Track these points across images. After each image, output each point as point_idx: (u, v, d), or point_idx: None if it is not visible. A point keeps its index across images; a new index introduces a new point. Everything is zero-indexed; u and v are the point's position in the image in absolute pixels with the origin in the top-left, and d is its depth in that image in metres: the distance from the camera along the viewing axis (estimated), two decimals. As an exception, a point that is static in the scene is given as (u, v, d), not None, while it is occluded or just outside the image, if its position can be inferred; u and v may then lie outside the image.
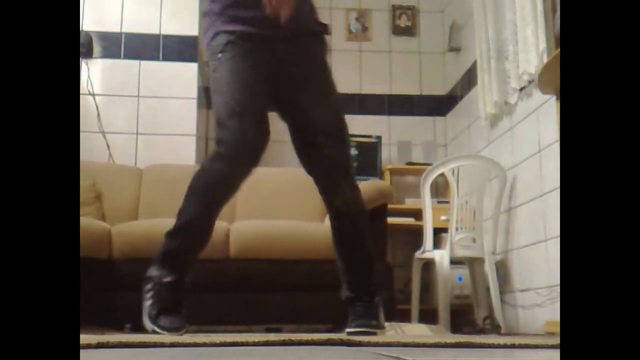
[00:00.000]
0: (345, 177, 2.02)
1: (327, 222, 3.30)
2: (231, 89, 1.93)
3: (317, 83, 2.01)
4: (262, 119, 1.93)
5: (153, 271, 1.91)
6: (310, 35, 2.02)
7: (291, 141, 2.08)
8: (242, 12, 1.93)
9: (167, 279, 1.87)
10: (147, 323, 1.82)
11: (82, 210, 3.05)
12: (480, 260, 3.41)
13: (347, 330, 1.88)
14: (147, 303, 1.85)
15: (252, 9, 1.89)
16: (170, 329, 1.77)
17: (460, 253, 3.39)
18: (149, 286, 1.89)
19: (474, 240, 3.42)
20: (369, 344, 1.39)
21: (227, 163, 1.90)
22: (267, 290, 2.87)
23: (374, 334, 1.85)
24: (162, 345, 1.28)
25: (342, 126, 2.05)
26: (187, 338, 1.56)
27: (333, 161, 2.00)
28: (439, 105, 4.73)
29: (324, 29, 2.07)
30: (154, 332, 1.79)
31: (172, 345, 1.28)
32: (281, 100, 2.00)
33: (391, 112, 4.73)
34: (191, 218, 1.93)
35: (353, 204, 2.02)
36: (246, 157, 1.91)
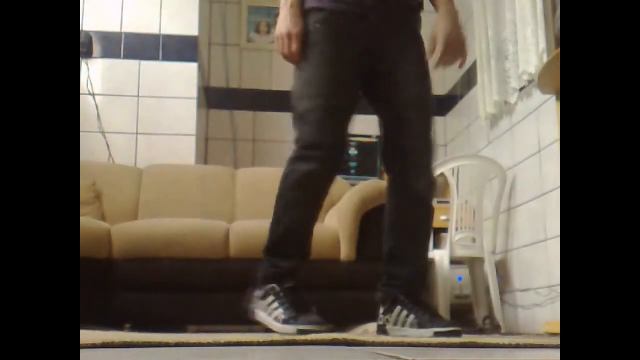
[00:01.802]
0: (430, 161, 1.91)
1: (327, 222, 3.30)
2: (320, 80, 1.85)
3: (412, 58, 1.91)
4: (346, 116, 1.90)
5: (268, 285, 1.86)
6: (405, 10, 1.93)
7: (378, 117, 2.00)
8: None
9: (287, 285, 1.85)
10: (286, 327, 1.75)
11: (82, 210, 3.05)
12: (480, 260, 3.41)
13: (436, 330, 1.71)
14: (278, 311, 1.80)
15: None
16: (316, 323, 1.72)
17: (460, 253, 3.38)
18: (270, 299, 1.84)
19: (474, 240, 3.41)
20: (369, 344, 1.39)
21: (313, 162, 1.83)
22: (267, 290, 2.87)
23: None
24: (166, 345, 1.28)
25: (431, 106, 1.95)
26: (190, 338, 1.56)
27: (423, 139, 1.89)
28: (439, 105, 4.72)
29: (418, 4, 1.98)
30: (301, 332, 1.68)
31: (177, 345, 1.28)
32: (375, 75, 1.91)
33: (391, 112, 4.73)
34: (286, 230, 1.88)
35: (431, 194, 1.93)
36: (325, 156, 1.84)
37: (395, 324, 1.81)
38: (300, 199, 1.87)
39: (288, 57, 1.90)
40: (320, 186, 1.89)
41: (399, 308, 1.82)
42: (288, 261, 1.88)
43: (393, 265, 1.93)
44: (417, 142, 1.89)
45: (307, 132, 1.85)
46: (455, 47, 1.94)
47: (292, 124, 1.90)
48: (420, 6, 1.99)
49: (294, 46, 1.86)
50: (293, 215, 1.88)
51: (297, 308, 1.78)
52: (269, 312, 1.82)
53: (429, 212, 1.93)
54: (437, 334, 1.66)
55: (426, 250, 1.97)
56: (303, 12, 1.89)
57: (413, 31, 1.95)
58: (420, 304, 1.83)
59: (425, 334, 1.69)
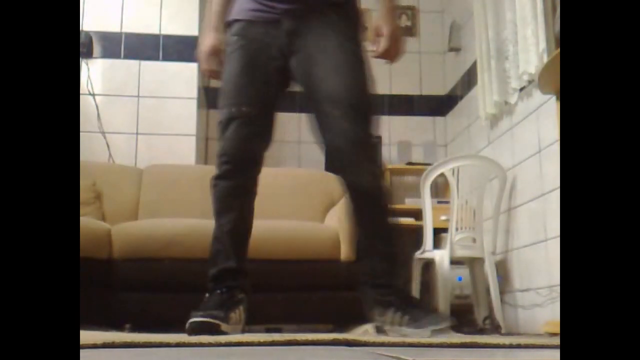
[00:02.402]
0: (365, 156, 1.86)
1: (327, 222, 3.30)
2: (232, 90, 1.91)
3: (331, 53, 1.86)
4: (265, 122, 1.92)
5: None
6: (325, 6, 1.91)
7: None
8: None
9: (214, 288, 1.93)
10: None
11: (82, 210, 3.05)
12: (480, 260, 3.41)
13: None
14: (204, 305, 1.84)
15: None
16: (209, 317, 1.76)
17: (460, 253, 3.39)
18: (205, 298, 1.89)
19: (474, 240, 3.41)
20: (369, 344, 1.39)
21: (231, 178, 1.91)
22: (267, 290, 2.87)
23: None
24: (166, 345, 1.28)
25: (359, 98, 1.85)
26: (190, 338, 1.56)
27: (350, 134, 1.82)
28: (439, 105, 4.73)
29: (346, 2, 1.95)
30: (192, 324, 1.75)
31: (177, 345, 1.28)
32: (297, 73, 1.91)
33: (391, 112, 4.73)
34: (214, 238, 1.97)
35: (376, 185, 1.89)
36: (248, 169, 1.92)
37: (392, 324, 1.81)
38: (222, 212, 1.96)
39: (206, 73, 2.04)
40: (238, 198, 1.95)
41: (392, 309, 1.82)
42: (214, 267, 1.95)
43: (364, 262, 1.95)
44: (344, 140, 1.83)
45: (222, 146, 1.92)
46: (398, 44, 1.98)
47: None
48: (345, 1, 1.96)
49: (210, 64, 2.00)
50: (219, 225, 1.96)
51: (216, 306, 1.82)
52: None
53: (379, 204, 1.90)
54: (434, 332, 1.69)
55: (389, 240, 1.94)
56: (223, 27, 1.99)
57: (334, 26, 1.90)
58: (411, 301, 1.87)
59: (423, 333, 1.70)
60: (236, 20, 1.95)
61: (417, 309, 1.81)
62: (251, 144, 1.91)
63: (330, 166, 1.94)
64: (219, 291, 1.89)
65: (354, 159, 1.84)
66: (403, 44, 2.00)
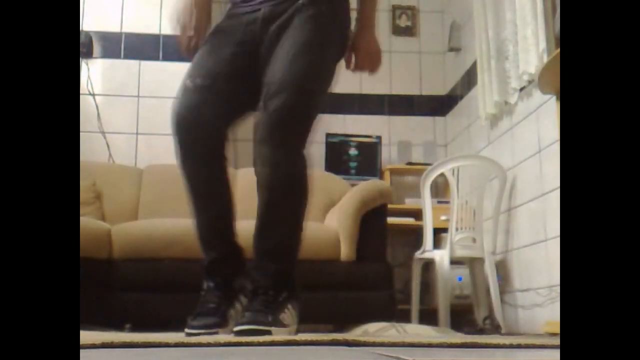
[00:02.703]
0: (284, 136, 1.70)
1: (327, 222, 3.30)
2: (190, 68, 1.88)
3: (293, 40, 1.77)
4: (222, 93, 1.79)
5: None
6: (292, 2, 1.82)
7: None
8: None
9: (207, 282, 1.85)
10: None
11: (82, 210, 3.05)
12: (480, 260, 3.41)
13: (235, 329, 1.63)
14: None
15: None
16: (205, 327, 1.68)
17: (460, 253, 3.39)
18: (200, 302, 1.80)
19: (474, 240, 3.42)
20: (369, 344, 1.39)
21: (185, 149, 1.80)
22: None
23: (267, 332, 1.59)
24: (166, 345, 1.28)
25: (295, 77, 1.71)
26: (190, 338, 1.56)
27: (268, 114, 1.69)
28: (439, 105, 4.73)
29: None
30: (188, 334, 1.69)
31: (177, 345, 1.28)
32: (261, 61, 1.82)
33: (391, 112, 4.73)
34: (195, 227, 1.86)
35: (284, 155, 1.71)
36: (201, 139, 1.77)
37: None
38: (191, 193, 1.85)
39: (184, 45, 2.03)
40: (199, 169, 1.83)
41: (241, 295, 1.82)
42: (206, 256, 1.86)
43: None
44: (261, 121, 1.72)
45: (172, 120, 1.84)
46: (373, 58, 2.01)
47: None
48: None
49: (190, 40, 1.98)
50: (192, 210, 1.86)
51: (202, 310, 1.74)
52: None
53: (272, 183, 1.75)
54: (236, 333, 1.60)
55: (273, 232, 1.80)
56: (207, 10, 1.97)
57: (302, 15, 1.80)
58: (256, 293, 1.74)
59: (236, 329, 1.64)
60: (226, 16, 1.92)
61: (252, 306, 1.70)
62: (202, 110, 1.80)
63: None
64: (212, 284, 1.80)
65: (264, 134, 1.71)
66: (379, 57, 2.01)
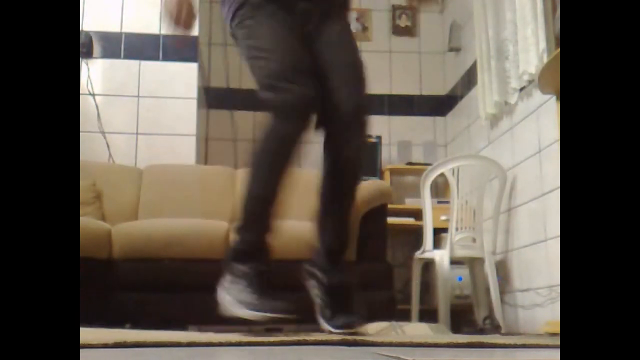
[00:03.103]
0: (360, 125, 1.88)
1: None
2: (276, 51, 1.82)
3: (336, 37, 1.93)
4: (311, 75, 1.81)
5: (238, 268, 1.75)
6: (332, 6, 1.96)
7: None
8: None
9: (261, 268, 1.77)
10: (250, 312, 1.65)
11: (82, 210, 3.05)
12: (480, 260, 3.41)
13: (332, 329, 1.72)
14: (243, 295, 1.68)
15: None
16: (282, 311, 1.65)
17: (460, 253, 3.39)
18: (235, 279, 1.74)
19: (474, 240, 3.42)
20: (369, 344, 1.39)
21: (287, 122, 1.74)
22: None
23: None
24: (166, 345, 1.28)
25: (359, 73, 1.92)
26: (190, 338, 1.56)
27: (346, 104, 1.85)
28: (439, 105, 4.73)
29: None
30: (266, 319, 1.65)
31: (177, 345, 1.28)
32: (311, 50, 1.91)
33: (391, 112, 4.73)
34: (266, 196, 1.83)
35: (359, 160, 1.91)
36: (302, 112, 1.75)
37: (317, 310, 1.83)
38: (277, 163, 1.82)
39: (177, 21, 1.92)
40: (293, 146, 1.81)
41: (314, 284, 1.91)
42: (256, 236, 1.82)
43: (319, 235, 1.94)
44: (340, 111, 1.85)
45: (276, 97, 1.76)
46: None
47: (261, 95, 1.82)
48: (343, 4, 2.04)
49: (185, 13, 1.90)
50: (273, 180, 1.84)
51: (262, 292, 1.69)
52: (232, 293, 1.72)
53: (356, 175, 1.96)
54: (332, 333, 1.67)
55: (344, 219, 1.95)
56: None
57: (338, 14, 1.98)
58: (331, 285, 1.83)
59: (325, 328, 1.75)
60: (245, 3, 1.89)
61: (335, 301, 1.79)
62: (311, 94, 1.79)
63: (326, 137, 1.89)
64: (249, 271, 1.75)
65: (350, 125, 1.87)
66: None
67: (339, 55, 1.91)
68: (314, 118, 1.81)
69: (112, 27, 3.92)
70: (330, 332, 1.73)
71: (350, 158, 1.91)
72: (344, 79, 1.88)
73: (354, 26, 4.80)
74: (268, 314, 1.63)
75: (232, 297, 1.71)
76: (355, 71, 1.92)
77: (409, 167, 4.45)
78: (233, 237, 1.84)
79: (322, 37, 1.91)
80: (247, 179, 1.84)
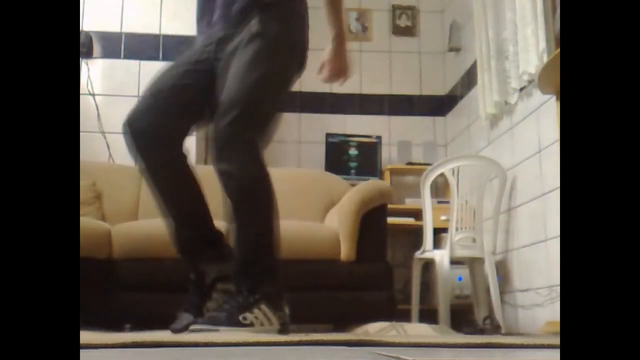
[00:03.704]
0: (233, 141, 1.84)
1: (327, 222, 3.30)
2: (154, 76, 1.99)
3: (241, 58, 1.91)
4: (176, 108, 1.94)
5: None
6: (252, 14, 1.94)
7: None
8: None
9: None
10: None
11: (82, 210, 3.05)
12: (480, 260, 3.41)
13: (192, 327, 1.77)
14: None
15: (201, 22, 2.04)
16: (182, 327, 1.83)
17: (460, 253, 3.39)
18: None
19: (474, 240, 3.42)
20: (369, 344, 1.39)
21: (137, 150, 1.96)
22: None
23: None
24: (166, 345, 1.28)
25: (242, 93, 1.86)
26: (190, 338, 1.56)
27: (223, 124, 1.84)
28: (439, 105, 4.73)
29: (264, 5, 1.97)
30: (175, 331, 1.83)
31: (177, 345, 1.28)
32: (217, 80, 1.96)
33: (391, 112, 4.73)
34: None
35: (239, 165, 1.84)
36: (152, 143, 1.93)
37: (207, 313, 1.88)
38: (162, 200, 2.03)
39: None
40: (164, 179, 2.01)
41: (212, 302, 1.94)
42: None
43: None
44: (217, 130, 1.86)
45: (128, 129, 1.95)
46: (340, 69, 2.15)
47: None
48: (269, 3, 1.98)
49: None
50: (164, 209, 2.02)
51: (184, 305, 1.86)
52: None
53: (241, 183, 1.88)
54: (192, 330, 1.74)
55: (244, 231, 1.91)
56: None
57: (254, 33, 1.94)
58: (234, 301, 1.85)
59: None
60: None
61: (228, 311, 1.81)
62: (146, 115, 1.93)
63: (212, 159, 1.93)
64: (192, 276, 1.94)
65: (222, 142, 1.85)
66: (347, 71, 2.17)
67: (229, 86, 1.89)
68: (173, 146, 1.97)
69: (112, 27, 3.92)
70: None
71: (223, 176, 1.87)
72: (225, 102, 1.86)
73: (354, 26, 4.80)
74: (174, 326, 1.81)
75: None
76: (242, 92, 1.86)
77: (409, 167, 4.45)
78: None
79: (225, 70, 1.93)
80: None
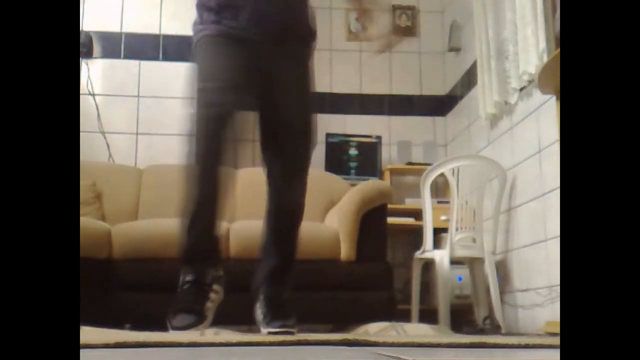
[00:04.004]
0: (299, 175, 2.07)
1: (327, 222, 3.30)
2: (205, 71, 1.99)
3: (292, 83, 2.08)
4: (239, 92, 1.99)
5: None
6: (296, 40, 2.10)
7: (258, 135, 2.14)
8: (226, 19, 2.03)
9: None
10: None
11: (82, 210, 3.05)
12: (480, 260, 3.41)
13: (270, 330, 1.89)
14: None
15: (240, 13, 2.01)
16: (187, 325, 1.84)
17: (460, 253, 3.38)
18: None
19: (474, 240, 3.41)
20: (369, 344, 1.39)
21: (196, 162, 2.00)
22: (267, 290, 2.87)
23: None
24: (166, 345, 1.28)
25: (308, 124, 2.09)
26: (190, 338, 1.56)
27: (291, 155, 2.06)
28: (439, 105, 4.73)
29: (311, 36, 2.15)
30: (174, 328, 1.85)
31: (177, 345, 1.28)
32: (256, 95, 2.05)
33: (391, 112, 4.73)
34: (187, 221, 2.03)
35: (297, 204, 2.08)
36: (211, 155, 1.98)
37: (257, 317, 2.00)
38: (195, 183, 2.08)
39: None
40: (207, 178, 2.05)
41: (257, 305, 2.02)
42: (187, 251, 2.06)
43: (260, 263, 2.11)
44: (284, 160, 2.06)
45: (194, 126, 2.00)
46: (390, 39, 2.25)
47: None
48: (312, 38, 2.15)
49: None
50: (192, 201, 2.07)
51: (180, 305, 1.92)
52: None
53: (295, 220, 2.11)
54: (270, 333, 1.85)
55: (287, 252, 2.12)
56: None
57: (300, 60, 2.11)
58: (271, 302, 2.00)
59: (264, 332, 1.91)
60: (204, 36, 2.05)
61: (272, 311, 1.97)
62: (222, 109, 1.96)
63: (266, 171, 2.12)
64: (190, 278, 1.98)
65: (288, 177, 2.06)
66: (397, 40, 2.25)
67: (291, 110, 2.05)
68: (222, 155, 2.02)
69: (112, 27, 3.92)
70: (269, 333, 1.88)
71: (288, 206, 2.09)
72: (290, 137, 2.05)
73: (354, 26, 4.80)
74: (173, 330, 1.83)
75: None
76: (301, 132, 2.07)
77: (409, 167, 4.44)
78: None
79: (280, 84, 2.04)
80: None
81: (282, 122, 2.05)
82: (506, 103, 3.51)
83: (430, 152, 4.52)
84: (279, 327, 1.86)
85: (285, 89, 2.06)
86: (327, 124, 4.58)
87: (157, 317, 2.75)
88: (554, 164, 2.96)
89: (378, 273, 2.96)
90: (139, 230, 2.93)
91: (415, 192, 4.03)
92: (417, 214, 3.85)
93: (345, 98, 4.58)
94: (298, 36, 2.11)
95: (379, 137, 4.50)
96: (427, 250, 3.45)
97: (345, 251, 2.92)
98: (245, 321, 2.17)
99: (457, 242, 3.36)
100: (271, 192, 2.08)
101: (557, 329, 2.36)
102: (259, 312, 1.99)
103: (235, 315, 2.90)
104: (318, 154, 4.47)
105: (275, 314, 1.94)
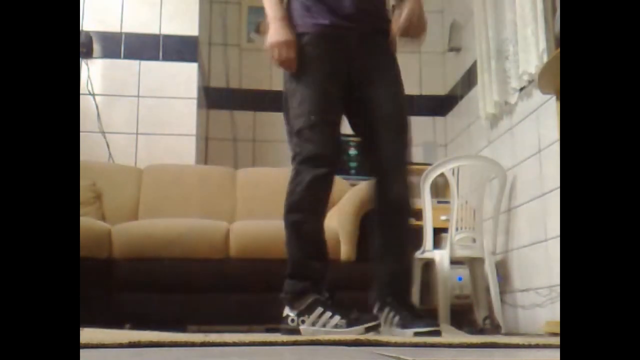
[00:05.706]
0: (402, 171, 2.12)
1: (327, 222, 3.30)
2: (311, 99, 2.00)
3: (385, 76, 2.08)
4: (337, 128, 2.06)
5: (309, 298, 1.98)
6: (378, 31, 2.10)
7: (354, 131, 2.19)
8: (319, 7, 2.03)
9: (325, 293, 2.00)
10: (352, 328, 1.86)
11: (82, 210, 3.05)
12: (480, 260, 3.41)
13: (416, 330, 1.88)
14: (334, 319, 1.91)
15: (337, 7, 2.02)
16: (372, 319, 1.91)
17: (460, 253, 3.38)
18: (318, 310, 1.94)
19: (474, 240, 3.41)
20: (369, 344, 1.39)
21: (312, 170, 1.99)
22: (267, 290, 2.87)
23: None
24: (166, 345, 1.28)
25: (405, 120, 2.12)
26: (190, 338, 1.56)
27: (393, 153, 2.09)
28: (439, 105, 4.73)
29: (387, 25, 2.14)
30: (368, 329, 1.87)
31: (177, 345, 1.28)
32: (352, 92, 2.06)
33: (391, 112, 4.72)
34: (307, 236, 2.04)
35: (406, 200, 2.10)
36: (327, 164, 2.01)
37: (384, 323, 1.95)
38: (312, 202, 2.03)
39: (285, 64, 2.04)
40: (327, 187, 2.05)
41: (387, 309, 1.96)
42: (319, 264, 2.04)
43: (377, 266, 2.09)
44: (387, 157, 2.09)
45: (308, 148, 2.01)
46: (416, 26, 2.14)
47: (288, 140, 2.07)
48: (387, 32, 2.13)
49: (291, 53, 2.01)
50: (309, 220, 2.03)
51: (344, 310, 1.92)
52: (322, 323, 1.91)
53: (405, 217, 2.12)
54: (416, 334, 1.82)
55: (405, 250, 2.12)
56: (291, 26, 2.05)
57: (387, 53, 2.13)
58: (404, 304, 1.98)
59: (407, 334, 1.84)
60: (304, 33, 2.05)
61: (407, 311, 1.95)
62: (333, 145, 2.04)
63: (371, 175, 2.19)
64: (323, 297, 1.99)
65: (396, 174, 2.11)
66: (424, 22, 2.15)
67: (388, 110, 2.06)
68: (335, 167, 2.05)
69: (112, 27, 3.91)
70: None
71: (395, 200, 2.09)
72: (390, 137, 2.07)
73: None
74: (367, 324, 1.87)
75: (321, 326, 1.90)
76: (402, 127, 2.11)
77: (409, 167, 4.44)
78: (291, 279, 2.04)
79: (373, 84, 2.05)
80: (288, 225, 2.08)
81: (382, 118, 2.05)
82: (506, 103, 3.51)
83: (430, 152, 4.52)
84: (425, 326, 1.87)
85: (381, 84, 2.06)
86: (327, 124, 4.57)
87: (157, 317, 2.76)
88: (554, 164, 2.96)
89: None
90: (139, 230, 2.92)
91: (415, 192, 4.03)
92: (417, 214, 3.85)
93: (345, 98, 4.57)
94: (379, 27, 2.12)
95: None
96: (427, 250, 3.45)
97: (345, 251, 2.92)
98: (246, 321, 2.17)
99: (457, 242, 3.35)
100: (379, 190, 2.10)
101: (557, 329, 2.36)
102: (390, 315, 1.96)
103: (234, 315, 2.91)
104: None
105: (414, 316, 1.94)
